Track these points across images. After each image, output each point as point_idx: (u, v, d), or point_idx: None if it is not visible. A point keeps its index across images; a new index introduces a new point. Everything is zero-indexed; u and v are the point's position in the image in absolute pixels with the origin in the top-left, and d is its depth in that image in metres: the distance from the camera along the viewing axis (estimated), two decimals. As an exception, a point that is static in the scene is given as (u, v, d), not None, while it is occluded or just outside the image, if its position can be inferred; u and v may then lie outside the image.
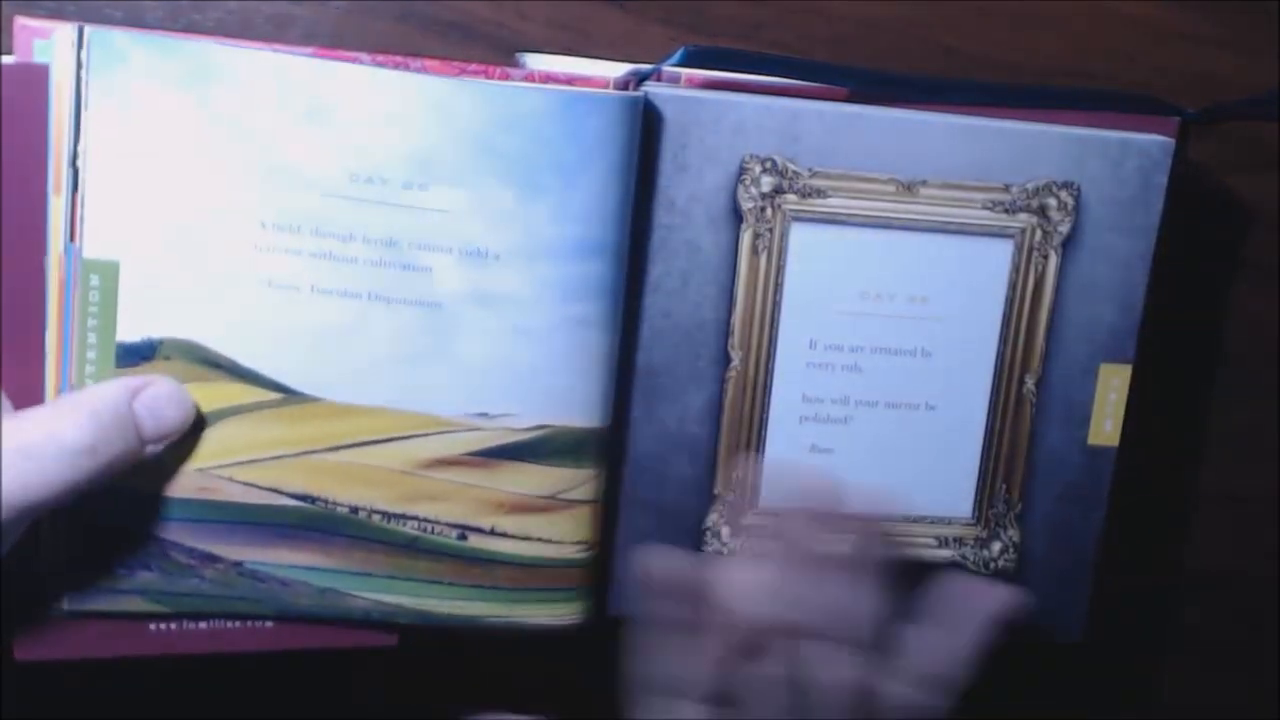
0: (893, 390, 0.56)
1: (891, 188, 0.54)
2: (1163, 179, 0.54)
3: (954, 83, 0.57)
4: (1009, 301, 0.56)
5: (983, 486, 0.57)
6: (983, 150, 0.54)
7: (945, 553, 0.57)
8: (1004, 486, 0.57)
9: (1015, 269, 0.55)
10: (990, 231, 0.55)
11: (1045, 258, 0.55)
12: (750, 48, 0.60)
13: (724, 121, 0.52)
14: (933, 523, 0.57)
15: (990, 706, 0.52)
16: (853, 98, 0.54)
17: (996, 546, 0.57)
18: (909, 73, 0.57)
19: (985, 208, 0.54)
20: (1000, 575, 0.57)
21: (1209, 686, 0.71)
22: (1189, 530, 0.68)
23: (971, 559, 0.57)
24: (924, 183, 0.54)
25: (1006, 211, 0.55)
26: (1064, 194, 0.55)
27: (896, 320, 0.55)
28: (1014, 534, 0.57)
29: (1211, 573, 0.69)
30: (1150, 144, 0.54)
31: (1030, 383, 0.56)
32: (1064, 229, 0.55)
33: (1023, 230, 0.55)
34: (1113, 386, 0.56)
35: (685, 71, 0.54)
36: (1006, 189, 0.54)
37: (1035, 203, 0.54)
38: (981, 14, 0.61)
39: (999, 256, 0.55)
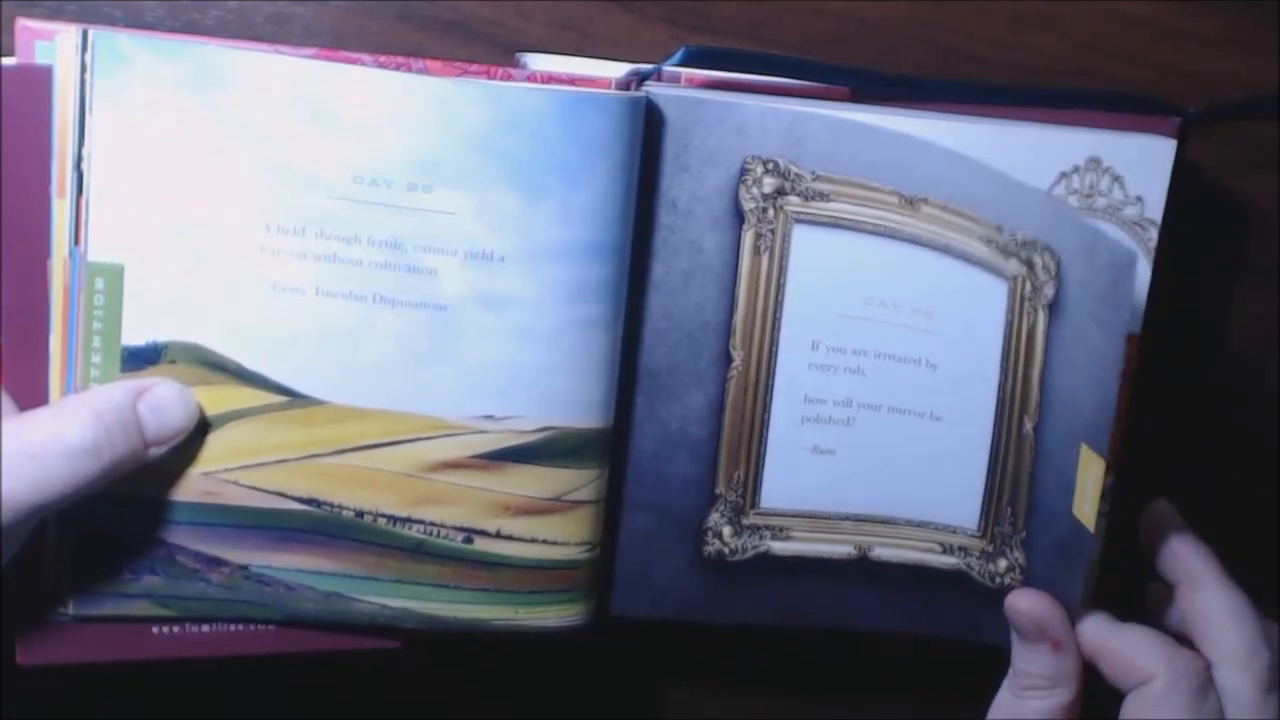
0: (897, 396, 0.55)
1: (894, 199, 0.53)
2: (1130, 286, 0.48)
3: (954, 83, 0.56)
4: (1006, 340, 0.54)
5: (989, 502, 0.56)
6: (977, 185, 0.53)
7: (950, 559, 0.56)
8: (1010, 510, 0.55)
9: (1010, 310, 0.54)
10: (987, 266, 0.54)
11: (1035, 313, 0.53)
12: (751, 47, 0.60)
13: (726, 122, 0.52)
14: (937, 529, 0.57)
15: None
16: (854, 97, 0.54)
17: (1003, 564, 0.55)
18: (909, 73, 0.57)
19: (982, 241, 0.53)
20: (1008, 592, 0.54)
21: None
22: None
23: (978, 570, 0.56)
24: (925, 200, 0.53)
25: (1001, 252, 0.53)
26: (1047, 257, 0.52)
27: (900, 329, 0.55)
28: (1019, 556, 0.55)
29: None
30: (1118, 247, 0.49)
31: (1029, 425, 0.53)
32: (1048, 292, 0.52)
33: (1015, 277, 0.53)
34: (1090, 474, 0.50)
35: (686, 71, 0.54)
36: (999, 229, 0.53)
37: (1024, 254, 0.52)
38: (981, 14, 0.61)
39: (996, 294, 0.54)
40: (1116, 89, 0.62)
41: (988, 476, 0.55)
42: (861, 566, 0.57)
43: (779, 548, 0.56)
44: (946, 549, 0.56)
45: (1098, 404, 0.50)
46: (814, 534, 0.56)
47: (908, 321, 0.54)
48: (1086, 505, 0.50)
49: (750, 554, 0.56)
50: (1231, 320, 0.66)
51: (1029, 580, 0.54)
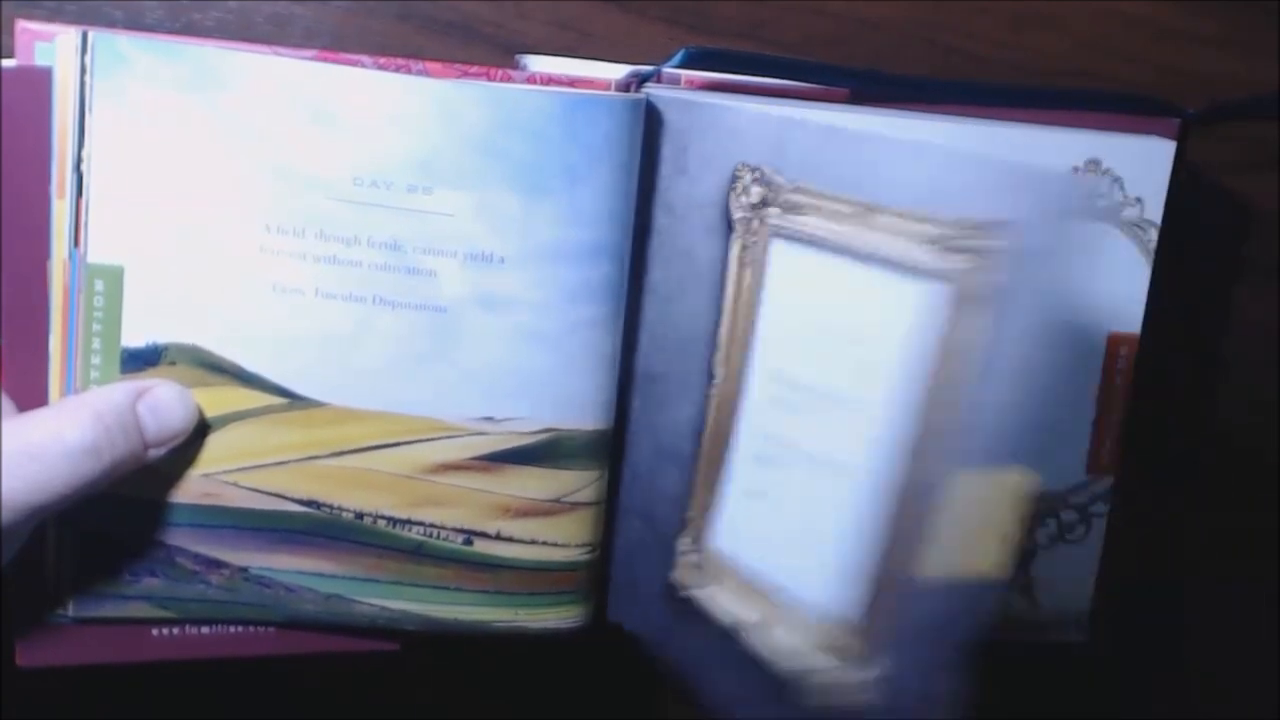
0: (826, 443, 0.48)
1: (851, 211, 0.47)
2: (1070, 224, 0.41)
3: (954, 83, 0.57)
4: (936, 361, 0.45)
5: (875, 587, 0.47)
6: (945, 177, 0.45)
7: (823, 660, 0.48)
8: (892, 597, 0.46)
9: (946, 322, 0.45)
10: (930, 273, 0.45)
11: (975, 313, 0.44)
12: (751, 47, 0.60)
13: (721, 126, 0.51)
14: (819, 619, 0.49)
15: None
16: (854, 98, 0.54)
17: (857, 677, 0.47)
18: (909, 73, 0.57)
19: (929, 243, 0.45)
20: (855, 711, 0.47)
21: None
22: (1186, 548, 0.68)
23: (833, 681, 0.48)
24: (881, 209, 0.46)
25: (949, 250, 0.45)
26: (1000, 234, 0.43)
27: (844, 361, 0.48)
28: (887, 663, 0.46)
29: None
30: (1063, 187, 0.43)
31: (938, 469, 0.44)
32: (994, 279, 0.43)
33: (960, 274, 0.44)
34: (1004, 498, 0.43)
35: (685, 73, 0.53)
36: (957, 223, 0.44)
37: (974, 243, 0.44)
38: (981, 14, 0.61)
39: (935, 305, 0.45)
40: (1116, 89, 0.62)
41: (879, 538, 0.47)
42: (753, 655, 0.51)
43: (710, 596, 0.52)
44: (825, 649, 0.48)
45: (1027, 400, 0.42)
46: (734, 594, 0.52)
47: (850, 351, 0.48)
48: (993, 547, 0.43)
49: (693, 591, 0.53)
50: (1230, 321, 0.66)
51: (889, 693, 0.47)
